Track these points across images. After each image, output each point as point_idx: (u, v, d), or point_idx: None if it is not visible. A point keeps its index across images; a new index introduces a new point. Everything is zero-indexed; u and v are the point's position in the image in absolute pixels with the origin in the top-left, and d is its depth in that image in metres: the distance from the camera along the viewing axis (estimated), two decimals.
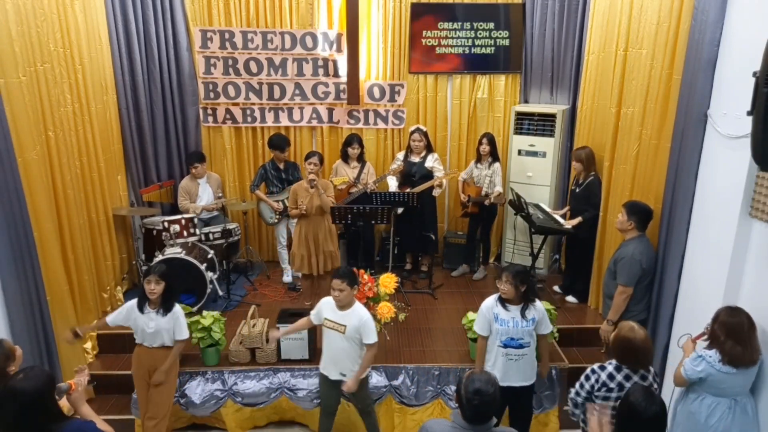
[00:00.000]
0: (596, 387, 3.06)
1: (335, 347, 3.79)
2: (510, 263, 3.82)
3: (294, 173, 5.95)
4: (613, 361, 3.08)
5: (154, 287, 3.78)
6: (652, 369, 3.11)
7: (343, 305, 3.75)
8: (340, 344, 3.77)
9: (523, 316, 3.68)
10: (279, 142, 5.87)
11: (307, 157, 5.16)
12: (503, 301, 3.72)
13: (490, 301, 3.79)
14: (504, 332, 3.69)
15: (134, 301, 3.91)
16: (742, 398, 3.12)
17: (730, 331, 3.02)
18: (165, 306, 3.85)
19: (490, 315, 3.74)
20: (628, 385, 3.01)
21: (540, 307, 3.79)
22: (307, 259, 5.12)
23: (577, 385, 3.18)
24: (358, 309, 3.81)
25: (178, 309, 3.92)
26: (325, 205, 5.02)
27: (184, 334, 3.94)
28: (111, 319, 3.95)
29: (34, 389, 2.32)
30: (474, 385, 2.49)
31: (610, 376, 3.04)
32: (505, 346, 3.70)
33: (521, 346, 3.71)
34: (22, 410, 2.30)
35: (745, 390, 3.13)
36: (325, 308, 3.84)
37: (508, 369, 3.73)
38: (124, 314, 3.92)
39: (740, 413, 3.10)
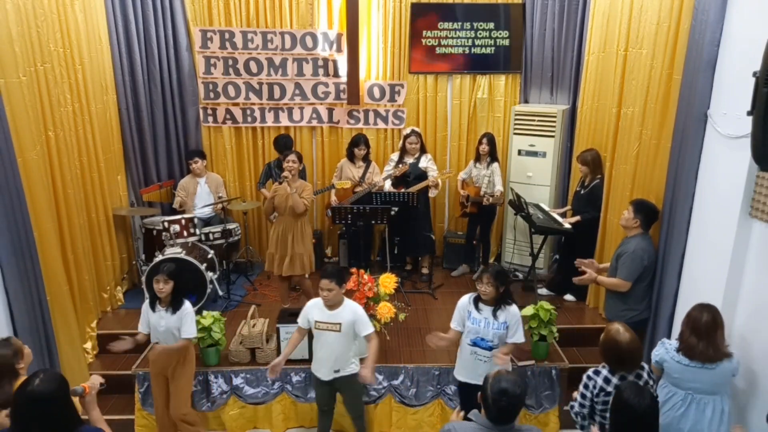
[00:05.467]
0: (595, 393, 3.03)
1: (330, 347, 3.77)
2: (492, 263, 3.78)
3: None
4: (606, 365, 3.07)
5: (163, 286, 3.78)
6: (645, 366, 3.11)
7: (332, 304, 3.74)
8: (335, 343, 3.76)
9: (494, 317, 3.64)
10: (278, 143, 5.91)
11: (286, 155, 5.01)
12: (476, 301, 3.69)
13: (466, 299, 3.76)
14: (474, 331, 3.66)
15: (147, 302, 3.94)
16: (703, 397, 3.11)
17: (689, 322, 3.12)
18: (174, 305, 3.85)
19: (465, 312, 3.72)
20: None
21: (515, 312, 3.68)
22: (274, 258, 4.94)
23: (579, 396, 3.12)
24: (349, 304, 3.81)
25: (186, 307, 3.90)
26: (296, 205, 4.76)
27: (189, 332, 3.92)
28: (140, 328, 3.97)
29: (52, 393, 2.32)
30: (500, 385, 2.46)
31: (606, 380, 3.02)
32: (474, 344, 3.67)
33: (490, 348, 3.66)
34: (41, 414, 2.30)
35: (710, 389, 3.11)
36: (313, 311, 3.80)
37: (476, 368, 3.70)
38: (145, 317, 3.94)
39: (697, 411, 3.11)
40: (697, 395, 3.12)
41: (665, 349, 3.22)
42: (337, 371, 3.82)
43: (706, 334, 3.06)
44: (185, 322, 3.89)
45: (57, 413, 2.33)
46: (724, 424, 3.12)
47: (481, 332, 3.65)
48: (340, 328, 3.72)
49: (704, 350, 3.05)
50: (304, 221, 4.96)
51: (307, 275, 5.04)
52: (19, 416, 2.32)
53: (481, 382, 3.64)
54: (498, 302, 3.64)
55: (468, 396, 3.79)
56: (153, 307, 3.89)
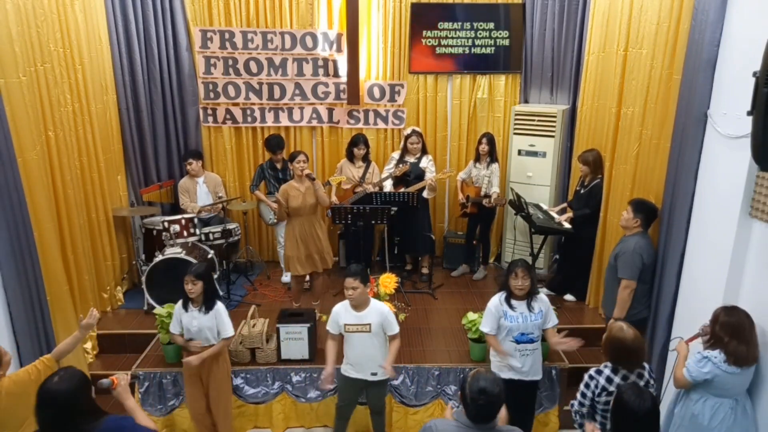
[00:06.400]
0: (597, 392, 3.04)
1: (364, 349, 3.78)
2: (513, 261, 3.85)
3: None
4: (609, 364, 3.07)
5: (192, 287, 3.78)
6: (646, 366, 3.11)
7: (358, 304, 3.75)
8: (368, 343, 3.77)
9: (530, 309, 3.72)
10: (269, 143, 5.91)
11: (293, 157, 4.99)
12: (508, 299, 3.74)
13: (496, 300, 3.80)
14: (515, 329, 3.73)
15: (179, 303, 3.93)
16: (742, 398, 3.12)
17: (734, 331, 3.01)
18: (206, 304, 3.84)
19: (499, 313, 3.75)
20: None
21: (545, 299, 3.83)
22: (304, 260, 4.95)
23: (579, 395, 3.13)
24: (376, 305, 3.83)
25: (220, 307, 3.89)
26: (323, 199, 4.92)
27: (228, 331, 3.89)
28: (172, 329, 3.97)
29: (70, 391, 2.36)
30: (479, 384, 2.49)
31: (608, 380, 3.02)
32: (518, 342, 3.74)
33: (532, 341, 3.76)
34: (60, 412, 2.34)
35: (744, 390, 3.13)
36: (341, 314, 3.80)
37: (524, 363, 3.79)
38: (177, 318, 3.93)
39: (741, 414, 3.10)
40: (739, 398, 3.11)
41: (713, 364, 3.02)
42: (374, 374, 3.82)
43: (750, 337, 3.02)
44: (221, 322, 3.86)
45: (73, 410, 2.36)
46: (754, 415, 3.13)
47: (521, 327, 3.72)
48: (370, 329, 3.74)
49: (753, 353, 3.02)
50: (319, 217, 5.05)
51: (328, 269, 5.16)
52: (39, 413, 2.38)
53: (525, 377, 3.79)
54: (530, 294, 3.73)
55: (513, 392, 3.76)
56: (185, 307, 3.88)
